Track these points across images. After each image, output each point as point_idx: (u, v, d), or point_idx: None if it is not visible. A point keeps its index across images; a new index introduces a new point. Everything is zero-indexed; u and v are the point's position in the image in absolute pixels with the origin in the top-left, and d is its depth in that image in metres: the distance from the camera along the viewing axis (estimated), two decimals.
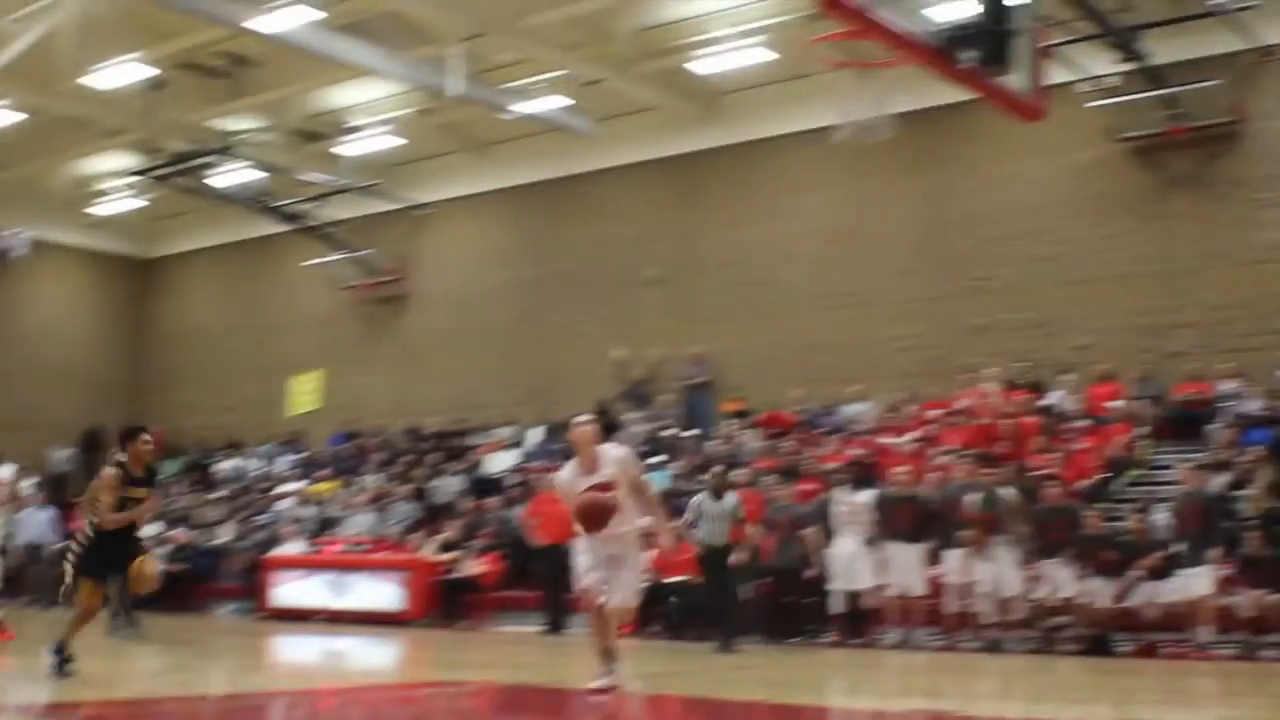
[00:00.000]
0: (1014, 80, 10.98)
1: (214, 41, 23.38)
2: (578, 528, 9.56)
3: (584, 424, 9.66)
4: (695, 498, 16.24)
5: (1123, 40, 18.40)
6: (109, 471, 11.12)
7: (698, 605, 17.21)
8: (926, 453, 19.02)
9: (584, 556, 9.64)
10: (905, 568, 16.35)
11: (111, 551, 11.07)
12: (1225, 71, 19.93)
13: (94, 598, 11.06)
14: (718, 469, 16.94)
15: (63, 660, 10.67)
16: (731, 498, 16.22)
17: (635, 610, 9.55)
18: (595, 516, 9.29)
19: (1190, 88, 19.83)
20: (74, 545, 11.29)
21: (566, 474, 9.68)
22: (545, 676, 13.04)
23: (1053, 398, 20.20)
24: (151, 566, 11.34)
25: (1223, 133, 20.42)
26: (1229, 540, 15.08)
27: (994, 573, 15.73)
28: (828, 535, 16.83)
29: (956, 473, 17.00)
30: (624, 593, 9.51)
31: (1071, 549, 15.49)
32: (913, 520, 16.46)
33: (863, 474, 17.98)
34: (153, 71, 24.00)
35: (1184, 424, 19.36)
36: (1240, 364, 19.38)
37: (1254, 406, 18.70)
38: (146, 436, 11.33)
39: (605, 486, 9.31)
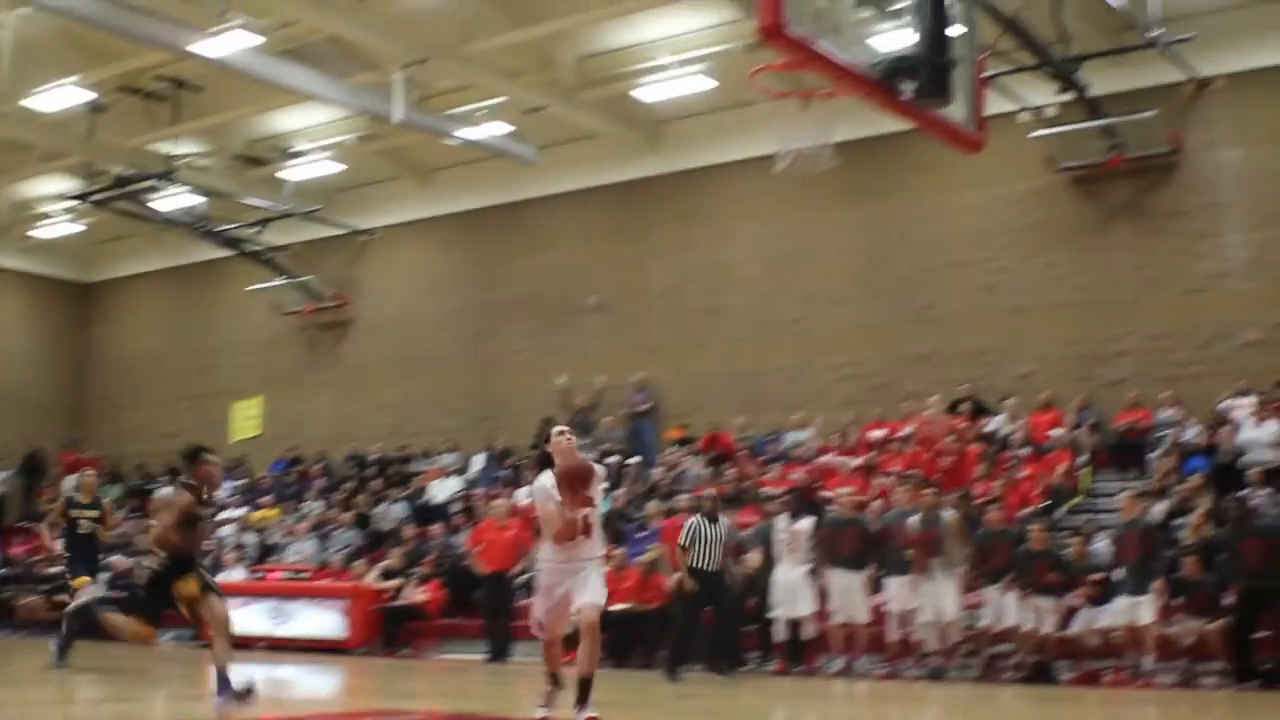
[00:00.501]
0: (954, 112, 11.00)
1: (155, 65, 23.15)
2: (554, 511, 9.01)
3: (565, 434, 9.28)
4: (690, 521, 15.84)
5: (1062, 71, 18.53)
6: (179, 494, 10.41)
7: (643, 632, 17.18)
8: (868, 478, 19.07)
9: (541, 580, 9.26)
10: (847, 595, 16.28)
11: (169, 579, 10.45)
12: (1163, 103, 20.13)
13: (144, 629, 10.84)
14: (712, 492, 16.68)
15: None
16: (726, 522, 15.99)
17: (595, 625, 8.91)
18: (579, 477, 8.93)
19: (1129, 119, 20.00)
20: (146, 570, 11.47)
21: (546, 482, 9.15)
22: (488, 705, 12.93)
23: (994, 425, 20.29)
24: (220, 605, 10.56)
25: (1161, 163, 20.61)
26: (1169, 569, 15.16)
27: (935, 599, 15.71)
28: (770, 563, 16.76)
29: (897, 497, 17.00)
30: (591, 593, 8.99)
31: (1013, 572, 15.50)
32: (854, 546, 16.37)
33: (804, 501, 17.94)
34: (92, 95, 23.77)
35: (1124, 452, 19.52)
36: (1179, 392, 19.53)
37: (1192, 435, 18.84)
38: (212, 456, 10.66)
39: (586, 499, 8.99)
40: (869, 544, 16.42)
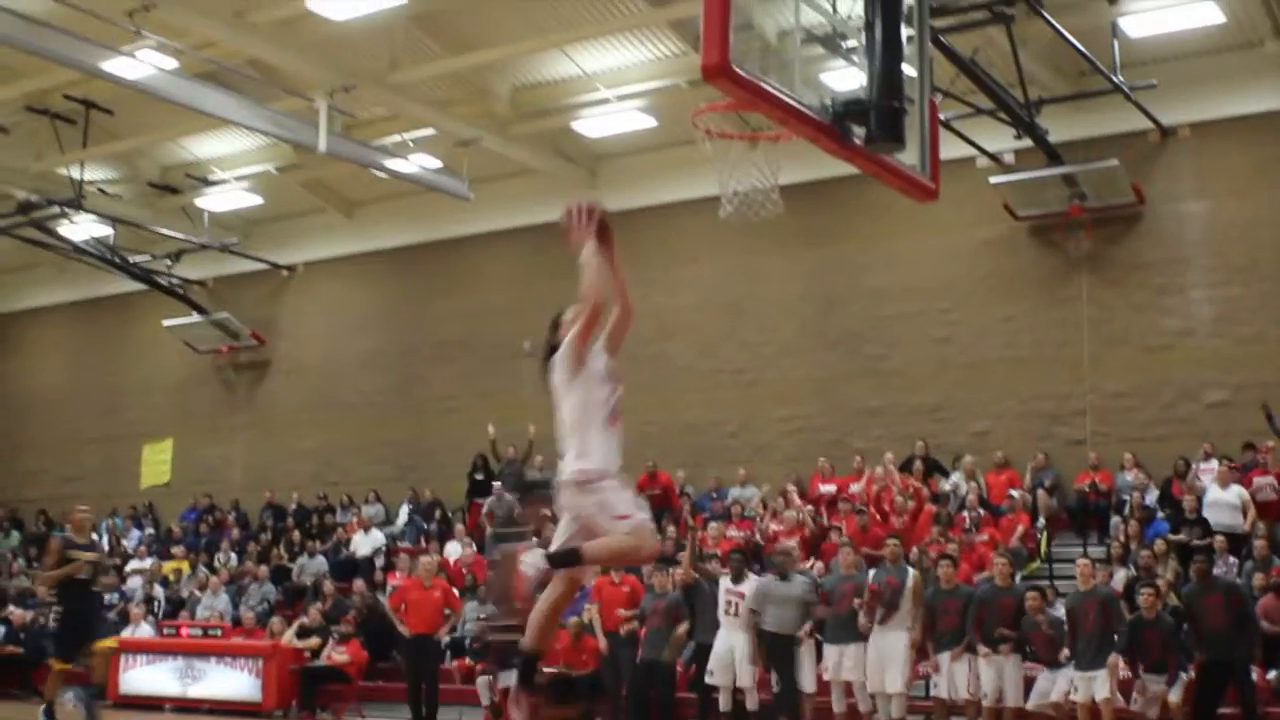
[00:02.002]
0: (907, 158, 10.90)
1: (64, 85, 22.86)
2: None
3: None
4: (760, 580, 15.41)
5: (1021, 116, 18.57)
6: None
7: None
8: (812, 538, 18.92)
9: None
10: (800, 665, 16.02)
11: None
12: (1125, 152, 20.24)
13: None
14: (787, 545, 16.23)
15: None
16: (800, 580, 15.53)
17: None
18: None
19: (1090, 167, 20.06)
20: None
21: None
22: None
23: (948, 484, 20.19)
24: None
25: (1123, 214, 20.71)
26: (1129, 638, 15.04)
27: (883, 666, 15.49)
28: (714, 626, 16.47)
29: (844, 560, 16.77)
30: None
31: (967, 636, 15.30)
32: (798, 608, 16.10)
33: (746, 562, 17.72)
34: None
35: (1083, 515, 19.48)
36: (1141, 454, 19.53)
37: (1155, 498, 18.83)
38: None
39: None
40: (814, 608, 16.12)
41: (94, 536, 15.90)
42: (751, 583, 16.73)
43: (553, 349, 7.35)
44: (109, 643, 14.22)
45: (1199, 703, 14.34)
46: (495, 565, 14.11)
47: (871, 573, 15.93)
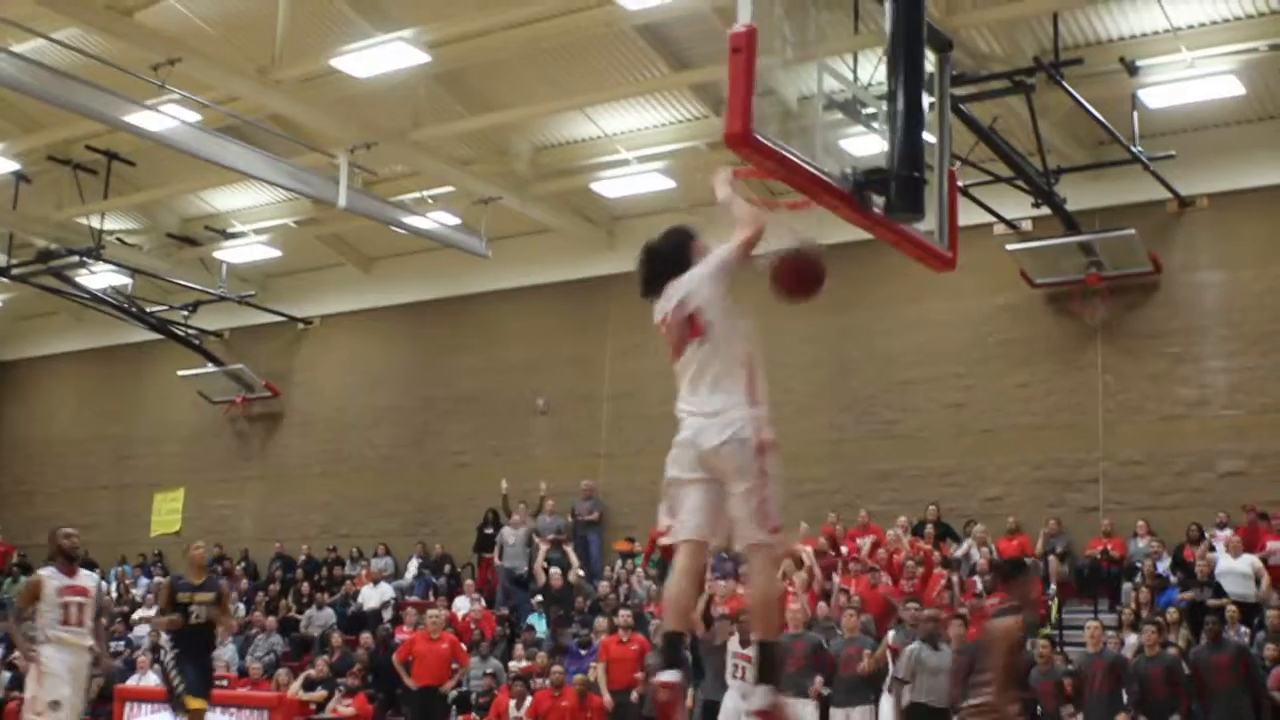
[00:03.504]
0: (926, 227, 10.95)
1: (86, 136, 23.07)
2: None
3: None
4: (909, 647, 14.74)
5: (1039, 184, 18.66)
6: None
7: None
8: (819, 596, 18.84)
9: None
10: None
11: None
12: (1143, 221, 20.28)
13: None
14: (932, 611, 15.52)
15: None
16: (951, 649, 14.79)
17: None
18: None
19: (1107, 236, 20.11)
20: None
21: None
22: None
23: (960, 549, 20.17)
24: None
25: (1140, 283, 20.72)
26: (1139, 704, 14.99)
27: None
28: (721, 684, 16.35)
29: (847, 623, 16.71)
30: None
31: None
32: (800, 664, 15.91)
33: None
34: (17, 165, 23.65)
35: (1094, 582, 19.43)
36: (1154, 522, 19.49)
37: (1167, 566, 18.79)
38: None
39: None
40: (818, 664, 15.99)
41: (213, 573, 14.98)
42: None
43: (665, 265, 6.98)
44: (198, 703, 13.01)
45: None
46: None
47: (891, 634, 15.90)
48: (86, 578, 12.36)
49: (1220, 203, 20.36)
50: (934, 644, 14.59)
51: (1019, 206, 19.80)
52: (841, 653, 16.11)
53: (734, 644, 16.54)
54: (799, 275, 7.57)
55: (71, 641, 11.91)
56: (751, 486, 6.33)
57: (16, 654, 24.52)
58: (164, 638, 13.58)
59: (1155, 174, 19.40)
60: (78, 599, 12.00)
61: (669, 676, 6.46)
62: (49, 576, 12.05)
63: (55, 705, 11.49)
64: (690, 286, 6.72)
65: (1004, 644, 9.17)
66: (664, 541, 7.18)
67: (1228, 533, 18.57)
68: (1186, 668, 15.10)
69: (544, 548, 22.51)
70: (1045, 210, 19.41)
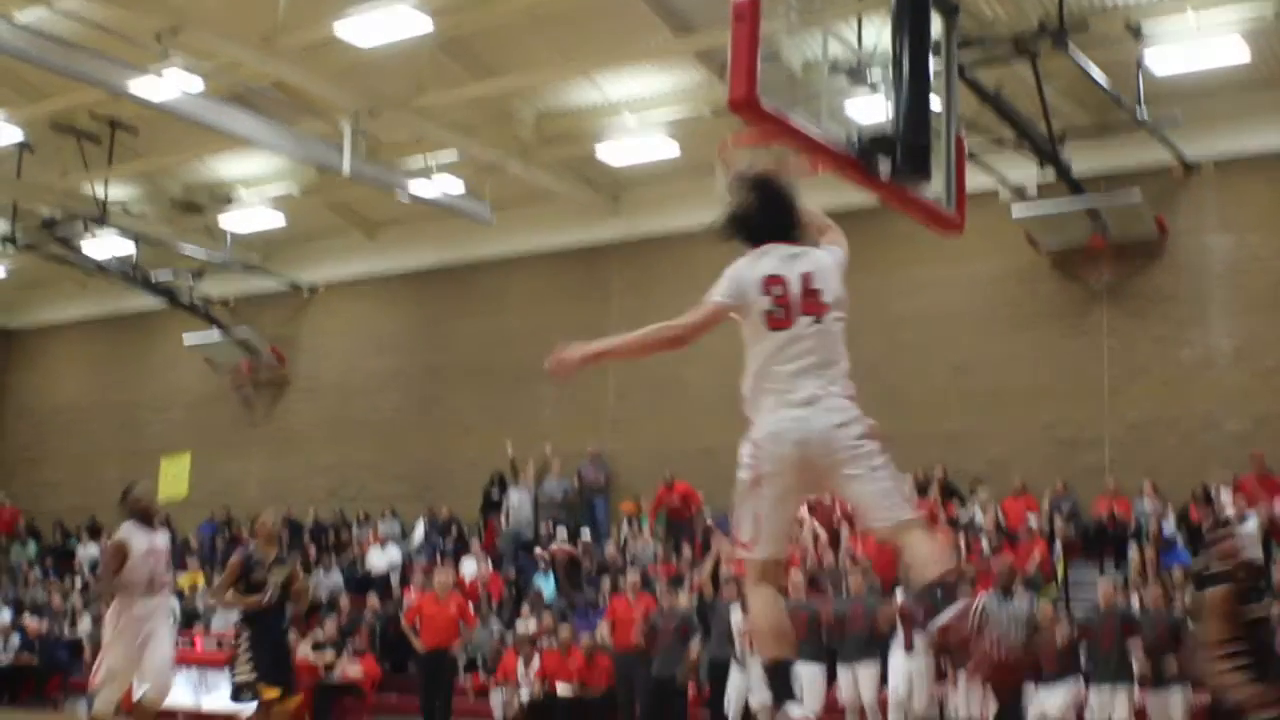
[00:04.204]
0: (932, 191, 10.96)
1: (90, 104, 23.01)
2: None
3: None
4: (978, 599, 14.70)
5: (1044, 149, 18.65)
6: None
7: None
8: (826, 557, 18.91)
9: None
10: (802, 685, 16.00)
11: None
12: (1149, 185, 20.30)
13: None
14: (1008, 563, 15.27)
15: None
16: (1027, 599, 14.75)
17: None
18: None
19: (1113, 199, 20.12)
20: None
21: None
22: None
23: (966, 509, 20.24)
24: None
25: (1146, 247, 20.74)
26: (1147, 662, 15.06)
27: (899, 690, 15.54)
28: (728, 642, 16.44)
29: (854, 581, 16.81)
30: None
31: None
32: (805, 634, 16.01)
33: None
34: (21, 133, 23.63)
35: (1099, 542, 19.50)
36: (1160, 482, 19.56)
37: (1173, 527, 18.85)
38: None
39: None
40: (824, 630, 16.07)
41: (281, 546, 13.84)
42: None
43: (783, 219, 6.32)
44: (273, 692, 12.08)
45: None
46: None
47: (899, 593, 16.00)
48: (163, 539, 11.44)
49: (1225, 167, 20.38)
50: (1008, 594, 14.25)
51: (1024, 172, 19.80)
52: (848, 612, 16.20)
53: (734, 606, 16.64)
54: None
55: (154, 605, 11.17)
56: (880, 463, 6.00)
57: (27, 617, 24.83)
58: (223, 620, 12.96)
59: (1162, 138, 19.37)
60: (157, 561, 11.17)
61: (798, 712, 6.02)
62: (131, 537, 11.08)
63: (108, 680, 10.91)
64: (821, 266, 6.22)
65: (1218, 610, 8.91)
66: (745, 557, 6.13)
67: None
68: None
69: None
70: (1051, 177, 19.41)
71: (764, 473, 5.99)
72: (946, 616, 5.91)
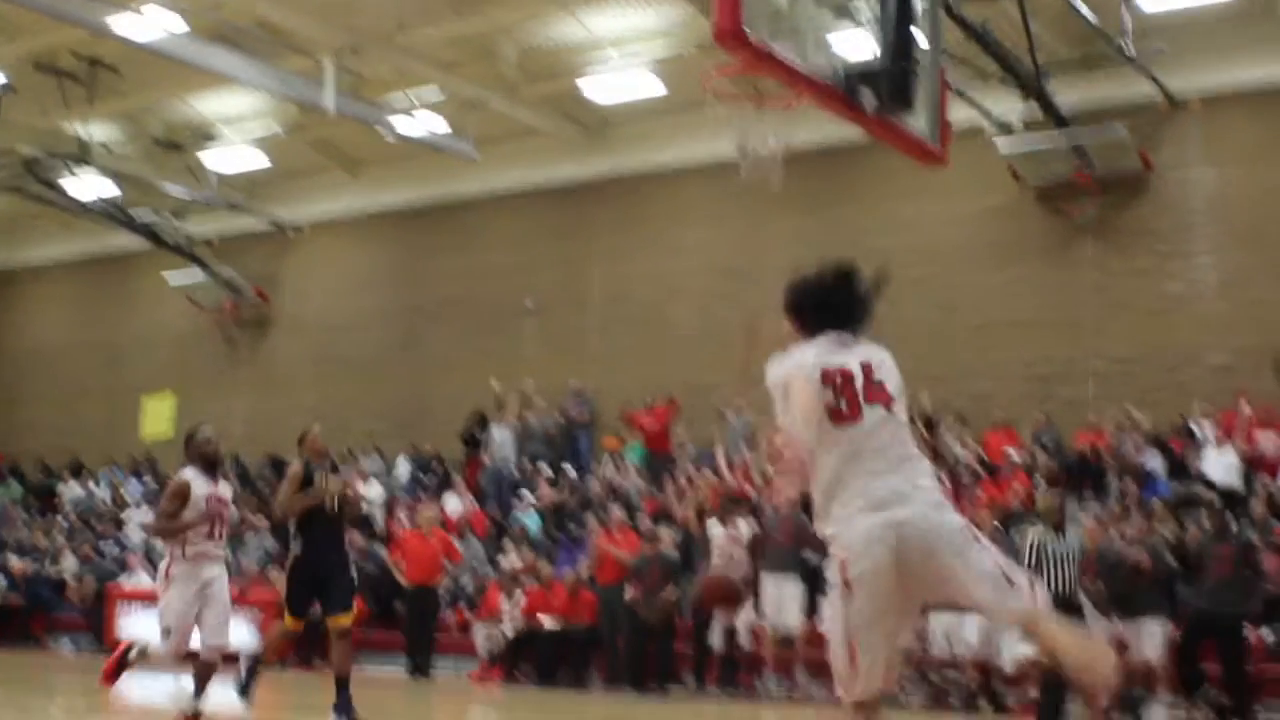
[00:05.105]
0: (916, 123, 11.06)
1: (71, 43, 22.94)
2: None
3: None
4: (1032, 534, 13.59)
5: (1029, 83, 18.70)
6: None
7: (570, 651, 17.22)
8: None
9: None
10: (781, 603, 16.12)
11: None
12: (1134, 120, 20.33)
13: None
14: (1055, 492, 14.60)
15: None
16: (1078, 535, 14.20)
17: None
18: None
19: (1097, 134, 20.18)
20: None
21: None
22: None
23: (948, 444, 20.35)
24: None
25: (1130, 182, 20.81)
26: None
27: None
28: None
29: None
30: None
31: None
32: (789, 542, 16.09)
33: (737, 503, 17.76)
34: (2, 74, 23.56)
35: (1082, 476, 19.65)
36: (1142, 416, 19.71)
37: (1155, 460, 19.02)
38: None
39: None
40: (807, 542, 15.83)
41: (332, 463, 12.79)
42: (743, 524, 16.93)
43: (862, 313, 5.95)
44: (344, 619, 11.87)
45: (1184, 653, 14.57)
46: None
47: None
48: (225, 489, 10.83)
49: (1211, 102, 20.39)
50: (1058, 530, 13.66)
51: (1009, 106, 19.85)
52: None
53: (711, 526, 17.00)
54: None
55: (213, 554, 10.78)
56: (983, 545, 5.31)
57: (12, 558, 24.94)
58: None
59: (1148, 73, 19.43)
60: (219, 509, 10.68)
61: None
62: (194, 480, 10.59)
63: (167, 633, 10.76)
64: (886, 365, 5.70)
65: None
66: (841, 696, 5.33)
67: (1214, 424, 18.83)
68: (1171, 558, 15.30)
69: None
70: (1036, 112, 19.46)
71: (856, 576, 5.24)
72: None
